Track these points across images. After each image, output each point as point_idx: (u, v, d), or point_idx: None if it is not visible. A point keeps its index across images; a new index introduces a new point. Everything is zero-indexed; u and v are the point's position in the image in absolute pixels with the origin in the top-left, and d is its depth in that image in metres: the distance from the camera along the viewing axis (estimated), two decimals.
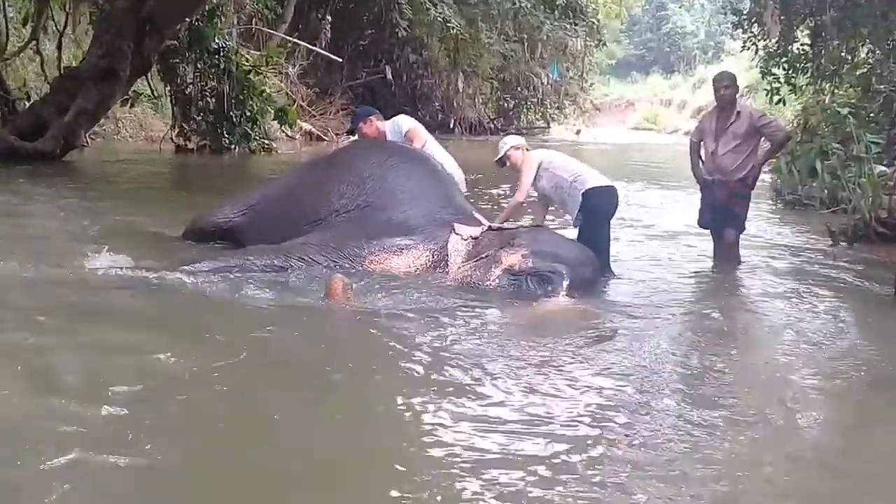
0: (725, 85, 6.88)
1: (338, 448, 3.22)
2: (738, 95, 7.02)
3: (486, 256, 5.61)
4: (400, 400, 3.69)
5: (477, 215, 6.26)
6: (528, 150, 6.67)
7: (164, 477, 2.85)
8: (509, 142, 6.70)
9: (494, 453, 3.11)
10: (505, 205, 7.96)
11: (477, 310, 5.10)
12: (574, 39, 31.43)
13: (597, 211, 6.34)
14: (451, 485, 2.88)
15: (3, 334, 4.17)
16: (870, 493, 3.07)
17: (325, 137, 21.24)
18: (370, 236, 5.81)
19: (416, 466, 3.04)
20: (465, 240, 5.80)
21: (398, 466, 3.05)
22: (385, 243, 5.77)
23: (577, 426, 3.42)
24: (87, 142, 13.41)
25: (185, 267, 5.46)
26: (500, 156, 6.66)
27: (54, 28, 13.59)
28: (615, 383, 3.95)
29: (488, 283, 5.50)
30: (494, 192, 10.91)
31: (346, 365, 4.20)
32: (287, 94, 19.90)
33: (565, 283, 5.37)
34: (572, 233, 6.55)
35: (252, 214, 6.69)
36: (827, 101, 13.91)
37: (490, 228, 5.92)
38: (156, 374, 3.72)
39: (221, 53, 14.46)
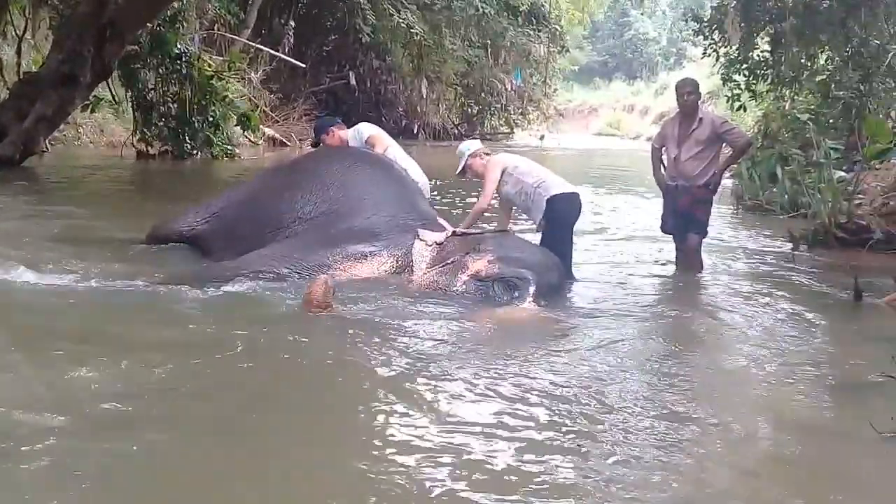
0: (688, 91, 6.91)
1: (311, 450, 3.21)
2: (700, 102, 7.05)
3: (452, 262, 5.58)
4: (366, 406, 3.69)
5: (441, 221, 6.23)
6: (487, 153, 6.61)
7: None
8: (466, 151, 6.59)
9: (453, 457, 3.10)
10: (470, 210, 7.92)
11: (443, 317, 5.09)
12: (537, 45, 31.67)
13: (561, 217, 6.33)
14: (417, 488, 2.88)
15: None
16: (840, 493, 3.09)
17: (288, 143, 21.19)
18: (334, 244, 5.72)
19: (383, 470, 3.02)
20: (430, 245, 5.76)
21: (364, 467, 3.03)
22: (349, 250, 5.69)
23: (545, 432, 3.41)
24: (46, 147, 13.27)
25: (144, 282, 5.38)
26: (461, 168, 6.60)
27: (14, 33, 13.46)
28: (583, 390, 3.93)
29: (454, 288, 5.45)
30: (459, 197, 10.90)
31: (314, 371, 4.18)
32: (250, 99, 19.83)
33: (532, 289, 5.34)
34: (535, 238, 6.55)
35: (215, 222, 6.61)
36: (787, 108, 14.10)
37: (454, 234, 5.89)
38: (115, 383, 3.68)
39: (183, 59, 14.38)
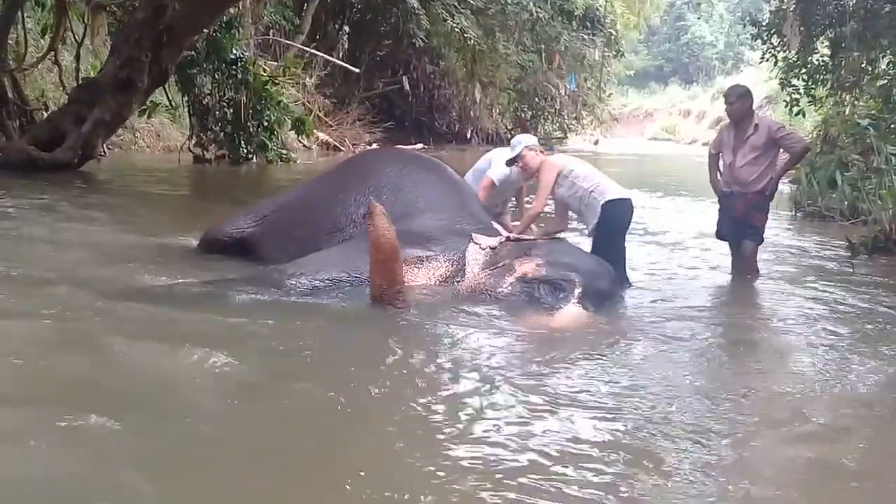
0: (731, 101, 6.83)
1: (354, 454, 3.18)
2: (750, 107, 6.92)
3: (502, 265, 5.54)
4: (403, 412, 3.64)
5: (496, 226, 6.18)
6: (541, 152, 6.57)
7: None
8: (523, 141, 6.59)
9: (478, 467, 3.06)
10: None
11: (485, 320, 5.06)
12: (592, 50, 31.55)
13: (614, 222, 6.28)
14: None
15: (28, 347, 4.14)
16: None
17: (341, 147, 21.31)
18: None
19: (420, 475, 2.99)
20: (484, 249, 5.72)
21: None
22: (405, 254, 5.60)
23: (584, 441, 3.35)
24: (104, 152, 13.43)
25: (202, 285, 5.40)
26: (513, 155, 6.57)
27: (73, 39, 13.61)
28: (623, 400, 3.84)
29: (500, 290, 5.37)
30: None
31: (351, 369, 4.15)
32: (304, 104, 19.96)
33: (577, 292, 5.24)
34: (587, 242, 6.49)
35: (267, 225, 6.61)
36: (847, 113, 13.87)
37: (509, 239, 5.84)
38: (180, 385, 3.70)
39: (239, 64, 14.46)
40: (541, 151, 6.57)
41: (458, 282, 5.57)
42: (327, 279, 5.45)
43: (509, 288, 5.37)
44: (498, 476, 2.99)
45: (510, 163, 6.67)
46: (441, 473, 3.00)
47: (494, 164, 7.22)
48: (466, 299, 5.38)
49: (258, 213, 6.79)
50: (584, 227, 6.58)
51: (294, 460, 3.11)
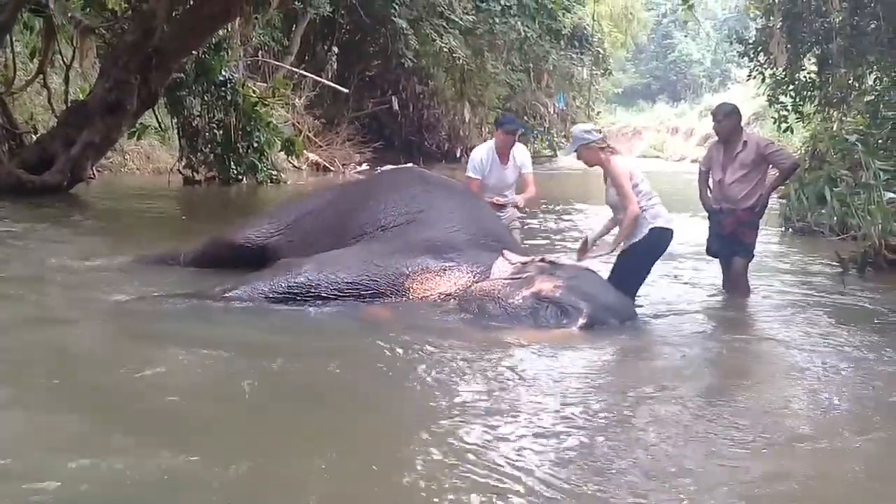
0: (719, 119, 6.84)
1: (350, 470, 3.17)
2: (738, 125, 6.93)
3: (524, 277, 5.51)
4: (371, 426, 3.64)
5: (518, 250, 6.20)
6: (606, 147, 6.42)
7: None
8: (590, 137, 6.39)
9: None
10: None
11: (478, 331, 5.15)
12: (580, 68, 31.68)
13: (655, 250, 6.28)
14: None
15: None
16: None
17: (331, 168, 21.31)
18: (414, 253, 5.71)
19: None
20: (513, 264, 5.70)
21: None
22: (429, 262, 5.66)
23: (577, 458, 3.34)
24: (94, 175, 13.41)
25: (222, 292, 5.43)
26: (573, 149, 6.45)
27: (61, 61, 13.62)
28: (609, 416, 3.82)
29: (511, 301, 5.34)
30: None
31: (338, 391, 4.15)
32: (294, 125, 19.98)
33: (581, 321, 5.18)
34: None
35: (289, 232, 6.60)
36: (835, 129, 13.95)
37: (543, 260, 5.78)
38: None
39: (228, 85, 14.49)
40: (606, 147, 6.43)
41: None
42: (346, 280, 5.52)
43: (520, 300, 5.35)
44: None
45: (575, 151, 6.48)
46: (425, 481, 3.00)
47: (469, 164, 7.57)
48: (474, 303, 5.44)
49: (281, 220, 6.79)
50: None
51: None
